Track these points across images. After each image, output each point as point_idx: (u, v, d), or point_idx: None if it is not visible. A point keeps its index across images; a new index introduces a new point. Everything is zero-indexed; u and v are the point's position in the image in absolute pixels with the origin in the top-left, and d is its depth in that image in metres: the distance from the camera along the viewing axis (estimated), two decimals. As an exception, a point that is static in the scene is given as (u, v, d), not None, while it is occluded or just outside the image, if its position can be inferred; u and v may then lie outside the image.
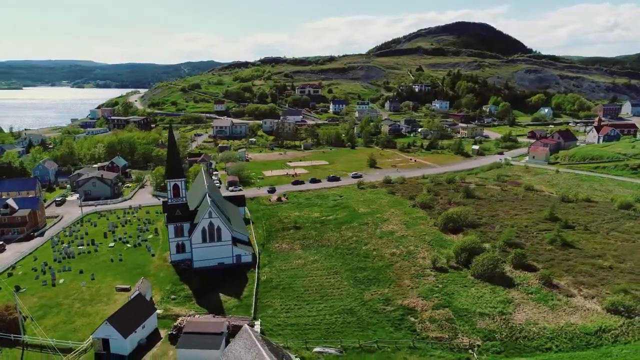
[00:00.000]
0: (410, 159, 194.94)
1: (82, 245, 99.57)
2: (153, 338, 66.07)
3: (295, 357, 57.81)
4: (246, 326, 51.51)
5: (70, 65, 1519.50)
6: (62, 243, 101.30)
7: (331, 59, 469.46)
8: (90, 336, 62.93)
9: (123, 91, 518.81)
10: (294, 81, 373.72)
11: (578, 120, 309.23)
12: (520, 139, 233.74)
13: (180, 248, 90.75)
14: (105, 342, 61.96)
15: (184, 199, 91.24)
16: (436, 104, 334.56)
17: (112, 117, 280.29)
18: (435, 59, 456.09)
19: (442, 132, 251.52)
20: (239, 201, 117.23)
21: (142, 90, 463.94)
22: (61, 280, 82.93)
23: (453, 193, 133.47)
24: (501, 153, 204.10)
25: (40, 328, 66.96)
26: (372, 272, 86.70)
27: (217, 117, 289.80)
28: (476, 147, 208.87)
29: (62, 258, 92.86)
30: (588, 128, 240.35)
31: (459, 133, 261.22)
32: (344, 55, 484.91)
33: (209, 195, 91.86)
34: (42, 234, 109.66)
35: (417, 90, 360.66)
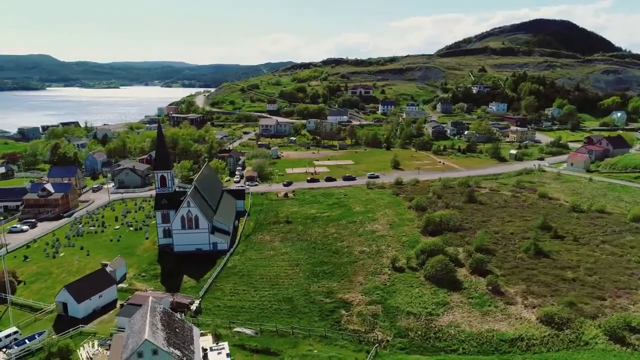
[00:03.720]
0: (440, 162, 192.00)
1: (93, 226, 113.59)
2: (109, 307, 75.78)
3: (203, 332, 64.01)
4: (150, 299, 58.66)
5: (163, 66, 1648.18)
6: (79, 224, 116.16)
7: (392, 59, 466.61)
8: (55, 300, 74.01)
9: (197, 90, 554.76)
10: (350, 82, 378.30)
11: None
12: (575, 145, 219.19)
13: (167, 233, 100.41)
14: (65, 306, 72.65)
15: (171, 189, 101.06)
16: (492, 106, 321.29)
17: (173, 115, 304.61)
18: (503, 59, 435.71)
19: (489, 136, 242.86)
20: (239, 195, 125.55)
21: (213, 90, 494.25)
22: (62, 254, 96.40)
23: (458, 197, 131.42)
24: (541, 159, 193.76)
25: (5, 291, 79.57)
26: (332, 267, 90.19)
27: (268, 116, 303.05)
28: (514, 151, 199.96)
29: (72, 236, 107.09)
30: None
31: (507, 137, 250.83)
32: (406, 56, 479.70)
33: (194, 187, 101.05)
34: (70, 215, 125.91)
35: (474, 91, 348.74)
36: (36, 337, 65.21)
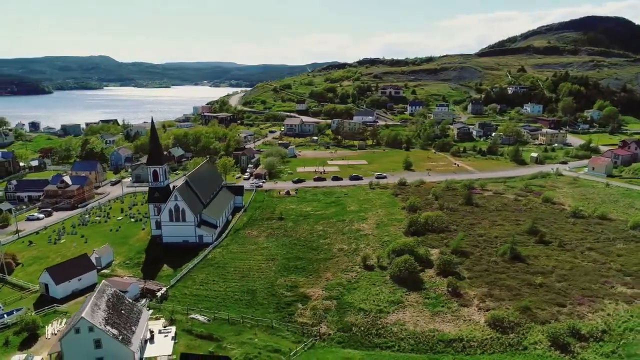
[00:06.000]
0: (455, 164, 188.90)
1: (99, 216, 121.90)
2: (88, 290, 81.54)
3: (157, 316, 68.45)
4: (104, 282, 63.80)
5: (213, 66, 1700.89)
6: (87, 214, 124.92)
7: (429, 59, 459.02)
8: (38, 280, 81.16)
9: (234, 90, 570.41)
10: (382, 82, 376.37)
11: None
12: (607, 148, 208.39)
13: (159, 225, 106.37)
14: (47, 287, 79.52)
15: (162, 183, 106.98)
16: (527, 107, 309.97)
17: (205, 114, 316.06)
18: (545, 59, 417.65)
19: (516, 138, 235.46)
20: (238, 191, 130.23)
21: (249, 89, 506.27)
22: (62, 241, 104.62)
23: (457, 199, 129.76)
24: (564, 162, 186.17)
25: None
26: (306, 263, 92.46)
27: (295, 115, 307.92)
28: (535, 154, 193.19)
29: (77, 225, 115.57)
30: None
31: (537, 139, 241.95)
32: (444, 56, 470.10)
33: (185, 182, 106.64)
34: (84, 206, 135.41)
35: (510, 92, 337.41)
36: (14, 312, 72.17)
